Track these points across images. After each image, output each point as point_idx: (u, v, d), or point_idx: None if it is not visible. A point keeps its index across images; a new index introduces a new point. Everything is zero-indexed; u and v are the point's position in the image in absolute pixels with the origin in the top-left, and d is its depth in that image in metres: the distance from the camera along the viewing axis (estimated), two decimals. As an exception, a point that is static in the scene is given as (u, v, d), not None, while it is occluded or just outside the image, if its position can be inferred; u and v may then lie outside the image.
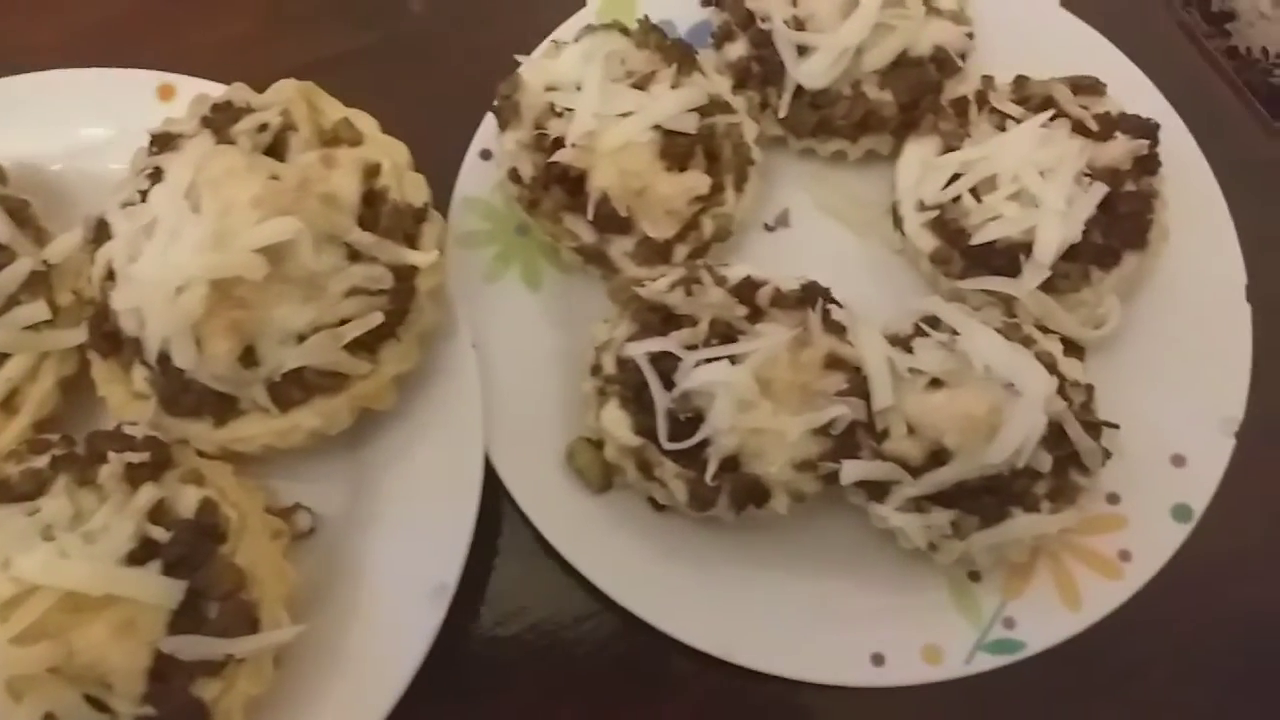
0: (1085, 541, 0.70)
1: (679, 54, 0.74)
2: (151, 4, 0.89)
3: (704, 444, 0.65)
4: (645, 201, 0.71)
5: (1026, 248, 0.71)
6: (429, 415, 0.68)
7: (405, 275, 0.64)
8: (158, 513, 0.59)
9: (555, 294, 0.76)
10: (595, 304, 0.73)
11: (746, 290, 0.68)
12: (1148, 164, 0.74)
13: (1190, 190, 0.78)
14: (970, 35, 0.79)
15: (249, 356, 0.62)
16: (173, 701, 0.57)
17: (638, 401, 0.66)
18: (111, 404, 0.66)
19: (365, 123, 0.68)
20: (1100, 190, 0.71)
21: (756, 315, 0.67)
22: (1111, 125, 0.75)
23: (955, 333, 0.68)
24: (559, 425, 0.72)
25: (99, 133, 0.74)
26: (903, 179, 0.77)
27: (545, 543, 0.69)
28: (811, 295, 0.69)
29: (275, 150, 0.66)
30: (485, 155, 0.78)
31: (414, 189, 0.67)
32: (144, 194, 0.64)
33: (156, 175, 0.64)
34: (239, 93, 0.68)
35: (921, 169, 0.76)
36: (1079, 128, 0.74)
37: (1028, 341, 0.69)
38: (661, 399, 0.65)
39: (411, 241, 0.66)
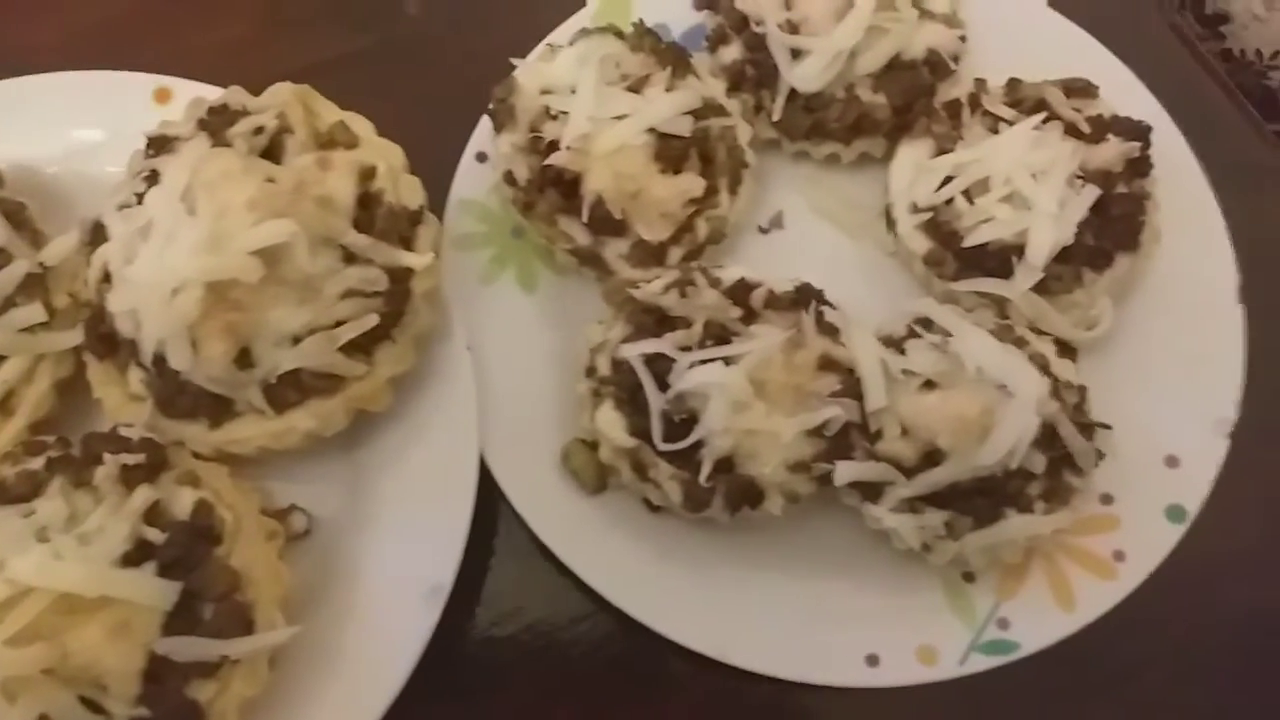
0: (1079, 542, 0.71)
1: (673, 57, 0.75)
2: (149, 6, 0.89)
3: (698, 445, 0.65)
4: (640, 204, 0.72)
5: (1019, 250, 0.71)
6: (424, 417, 0.68)
7: (400, 277, 0.64)
8: (153, 514, 0.59)
9: (550, 296, 0.76)
10: (590, 306, 0.73)
11: (740, 292, 0.68)
12: (1140, 166, 0.74)
13: (1182, 192, 0.78)
14: (963, 38, 0.80)
15: (244, 358, 0.62)
16: (167, 703, 0.57)
17: (632, 403, 0.66)
18: (107, 406, 0.66)
19: (361, 125, 0.69)
20: (1092, 192, 0.72)
21: (750, 317, 0.68)
22: (1104, 128, 0.75)
23: (948, 334, 0.68)
24: (554, 427, 0.72)
25: (95, 135, 0.74)
26: (896, 181, 0.77)
27: (541, 544, 0.69)
28: (805, 297, 0.69)
29: (271, 153, 0.66)
30: (481, 158, 0.78)
31: (409, 192, 0.67)
32: (140, 196, 0.64)
33: (153, 178, 0.64)
34: (235, 96, 0.68)
35: (914, 171, 0.76)
36: (1071, 130, 0.74)
37: (1020, 343, 0.70)
38: (656, 400, 0.65)
39: (407, 244, 0.66)
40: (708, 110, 0.74)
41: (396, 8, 0.92)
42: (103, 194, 0.67)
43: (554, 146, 0.71)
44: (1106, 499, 0.72)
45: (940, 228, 0.74)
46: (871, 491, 0.67)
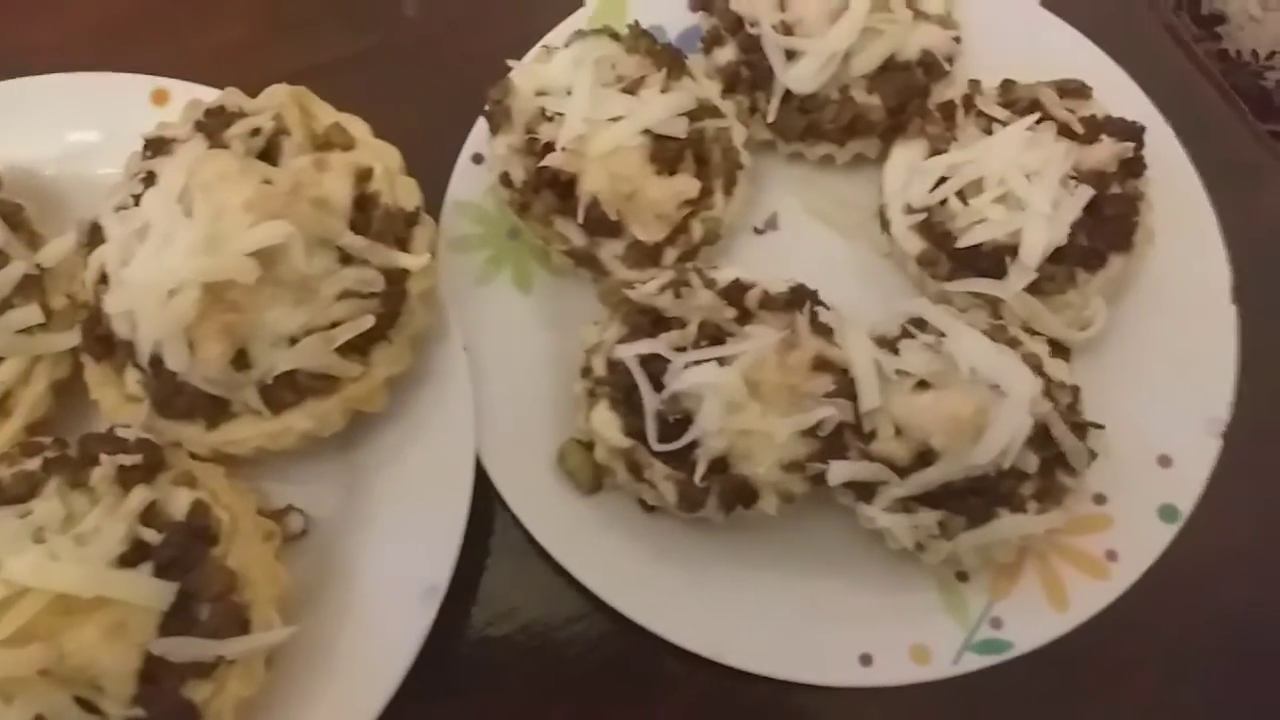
0: (1072, 542, 0.71)
1: (669, 59, 0.75)
2: (148, 8, 0.89)
3: (693, 445, 0.65)
4: (635, 205, 0.72)
5: (1012, 250, 0.72)
6: (421, 417, 0.68)
7: (397, 278, 0.65)
8: (149, 515, 0.59)
9: (546, 297, 0.76)
10: (586, 307, 0.74)
11: (735, 293, 0.68)
12: (1133, 166, 0.75)
13: (1176, 192, 0.79)
14: (957, 39, 0.80)
15: (241, 359, 0.62)
16: (163, 703, 0.57)
17: (627, 403, 0.67)
18: (104, 407, 0.66)
19: (357, 127, 0.69)
20: (1086, 193, 0.72)
21: (745, 317, 0.68)
22: (1097, 128, 0.75)
23: (942, 334, 0.68)
24: (550, 427, 0.72)
25: (93, 137, 0.74)
26: (890, 182, 0.77)
27: (536, 544, 0.69)
28: (799, 297, 0.69)
29: (268, 155, 0.66)
30: (477, 159, 0.78)
31: (406, 193, 0.68)
32: (137, 198, 0.64)
33: (150, 179, 0.65)
34: (232, 97, 0.68)
35: (908, 172, 0.77)
36: (1065, 131, 0.75)
37: (1014, 343, 0.70)
38: (651, 401, 0.65)
39: (403, 245, 0.66)
40: (703, 112, 0.74)
41: (395, 10, 0.92)
42: (100, 195, 0.67)
43: (550, 148, 0.71)
44: (1099, 499, 0.72)
45: (934, 228, 0.74)
46: (865, 491, 0.67)
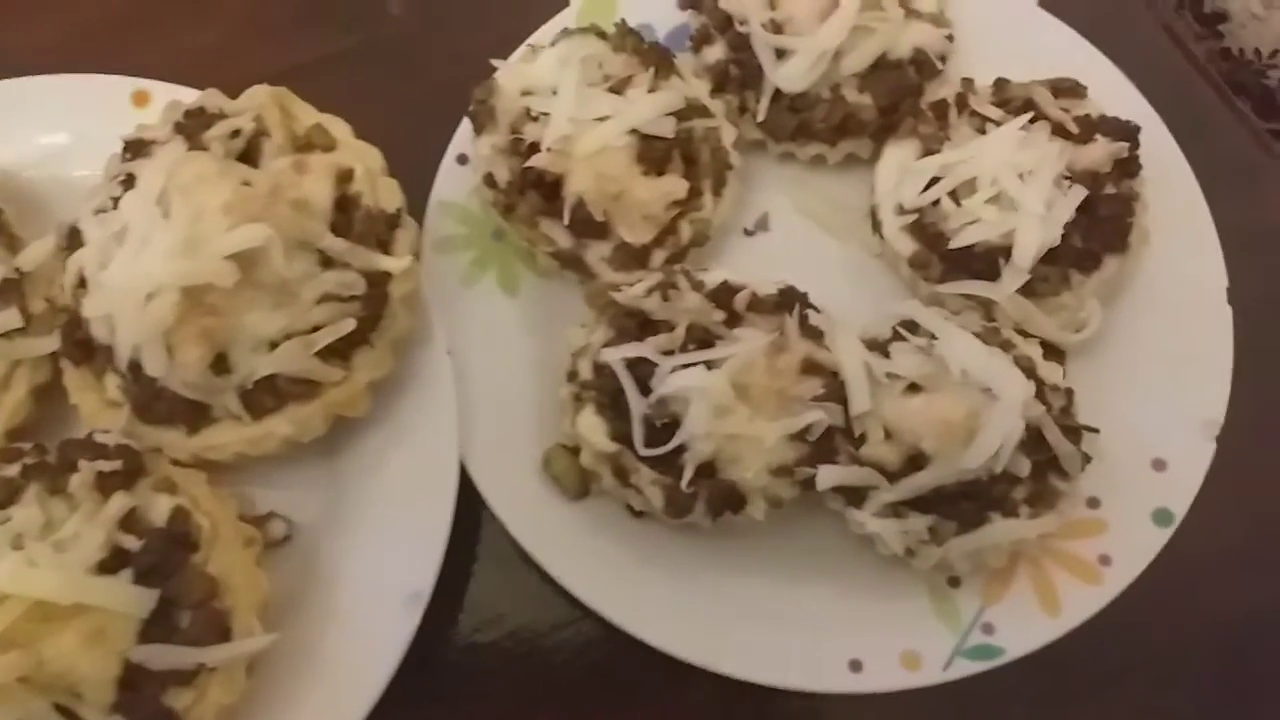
0: (1065, 546, 0.70)
1: (656, 57, 0.74)
2: (132, 9, 0.89)
3: (680, 450, 0.64)
4: (622, 206, 0.71)
5: (1006, 251, 0.71)
6: (404, 422, 0.68)
7: (378, 281, 0.64)
8: (129, 521, 0.59)
9: (532, 299, 0.76)
10: (573, 309, 0.73)
11: (723, 295, 0.68)
12: (1128, 167, 0.74)
13: (1171, 193, 0.78)
14: (950, 38, 0.79)
15: (221, 364, 0.62)
16: (143, 711, 0.57)
17: (614, 407, 0.66)
18: (84, 412, 0.65)
19: (339, 128, 0.68)
20: (1079, 193, 0.71)
21: (734, 320, 0.67)
22: (1092, 128, 0.74)
23: (933, 337, 0.67)
24: (535, 432, 0.71)
25: (72, 139, 0.74)
26: (881, 183, 0.77)
27: (522, 550, 0.68)
28: (789, 300, 0.68)
29: (248, 156, 0.66)
30: (462, 160, 0.77)
31: (387, 194, 0.67)
32: (116, 200, 0.64)
33: (129, 182, 0.64)
34: (212, 99, 0.67)
35: (900, 173, 0.76)
36: (1059, 130, 0.74)
37: (1007, 346, 0.69)
38: (638, 405, 0.65)
39: (385, 247, 0.65)
40: (691, 111, 0.73)
41: (379, 9, 0.91)
42: (80, 198, 0.66)
43: (535, 148, 0.71)
44: (1093, 502, 0.72)
45: (926, 229, 0.74)
46: (855, 496, 0.67)
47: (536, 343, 0.74)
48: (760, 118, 0.77)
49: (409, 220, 0.68)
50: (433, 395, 0.68)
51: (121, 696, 0.56)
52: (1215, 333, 0.75)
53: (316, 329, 0.62)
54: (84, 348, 0.64)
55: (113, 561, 0.57)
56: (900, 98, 0.77)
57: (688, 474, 0.64)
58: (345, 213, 0.64)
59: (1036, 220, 0.70)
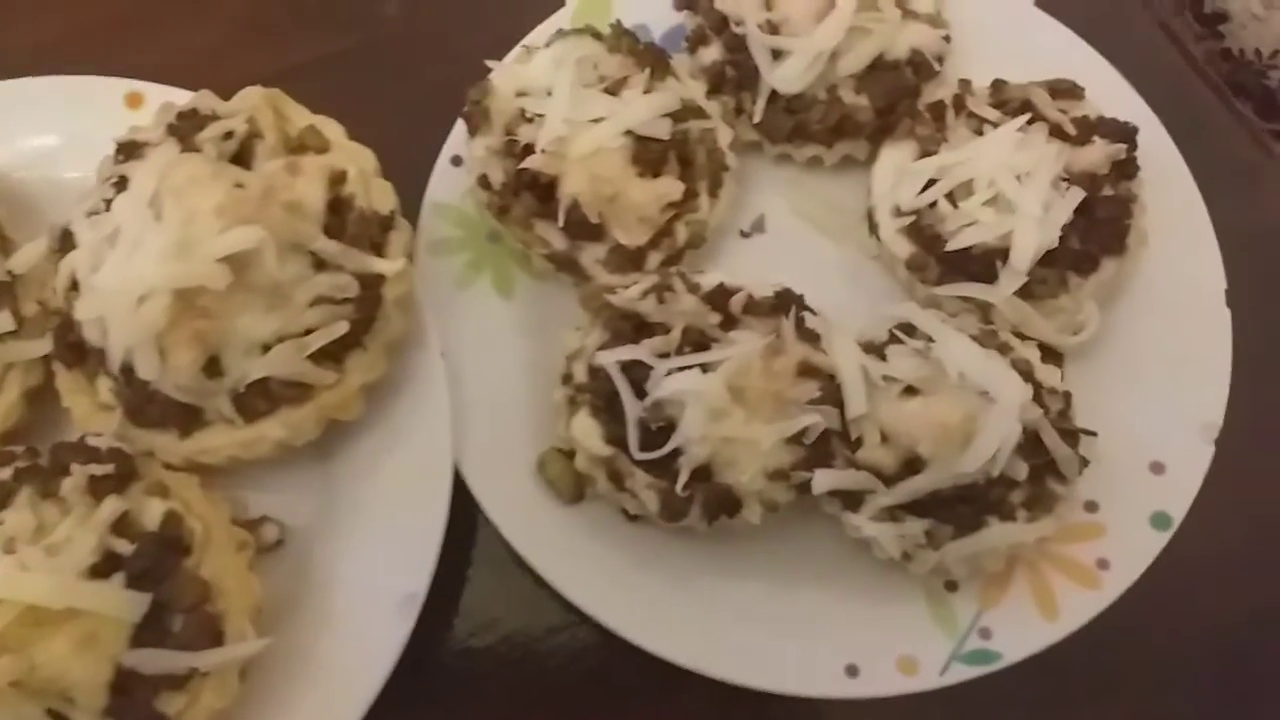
0: (1063, 550, 0.70)
1: (652, 58, 0.74)
2: (127, 10, 0.88)
3: (675, 453, 0.64)
4: (617, 208, 0.71)
5: (1003, 253, 0.70)
6: (397, 425, 0.67)
7: (371, 284, 0.64)
8: (121, 525, 0.59)
9: (527, 302, 0.75)
10: (568, 312, 0.72)
11: (719, 297, 0.67)
12: (1126, 168, 0.73)
13: (1170, 194, 0.77)
14: (947, 39, 0.79)
15: (213, 367, 0.61)
16: (135, 715, 0.56)
17: (609, 411, 0.66)
18: (76, 415, 0.65)
19: (332, 129, 0.68)
20: (1077, 195, 0.71)
21: (729, 323, 0.67)
22: (1089, 129, 0.74)
23: (930, 340, 0.67)
24: (530, 435, 0.71)
25: (65, 141, 0.73)
26: (878, 184, 0.76)
27: (518, 554, 0.68)
28: (785, 302, 0.68)
29: (241, 158, 0.66)
30: (456, 161, 0.77)
31: (381, 196, 0.67)
32: (108, 203, 0.63)
33: (121, 184, 0.64)
34: (205, 100, 0.67)
35: (897, 174, 0.75)
36: (1057, 132, 0.73)
37: (1004, 348, 0.69)
38: (633, 408, 0.64)
39: (378, 249, 0.65)
40: (687, 112, 0.73)
41: (374, 10, 0.91)
42: (72, 200, 0.66)
43: (529, 150, 0.70)
44: (1091, 506, 0.71)
45: (923, 231, 0.73)
46: (851, 500, 0.66)
47: (531, 345, 0.73)
48: (756, 119, 0.77)
49: (402, 222, 0.68)
50: (427, 398, 0.68)
51: (113, 701, 0.56)
52: (1214, 335, 0.75)
53: (309, 332, 0.62)
54: (76, 350, 0.64)
55: (105, 566, 0.57)
56: (897, 99, 0.76)
57: (683, 477, 0.64)
58: (338, 215, 0.64)
59: (1034, 222, 0.70)
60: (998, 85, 0.77)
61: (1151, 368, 0.74)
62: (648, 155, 0.71)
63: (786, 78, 0.74)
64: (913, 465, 0.64)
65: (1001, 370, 0.65)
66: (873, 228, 0.77)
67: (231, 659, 0.59)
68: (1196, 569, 0.71)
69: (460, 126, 0.76)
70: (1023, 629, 0.68)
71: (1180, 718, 0.72)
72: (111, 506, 0.58)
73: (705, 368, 0.64)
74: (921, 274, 0.74)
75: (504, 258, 0.76)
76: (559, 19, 0.80)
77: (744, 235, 0.80)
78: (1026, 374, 0.67)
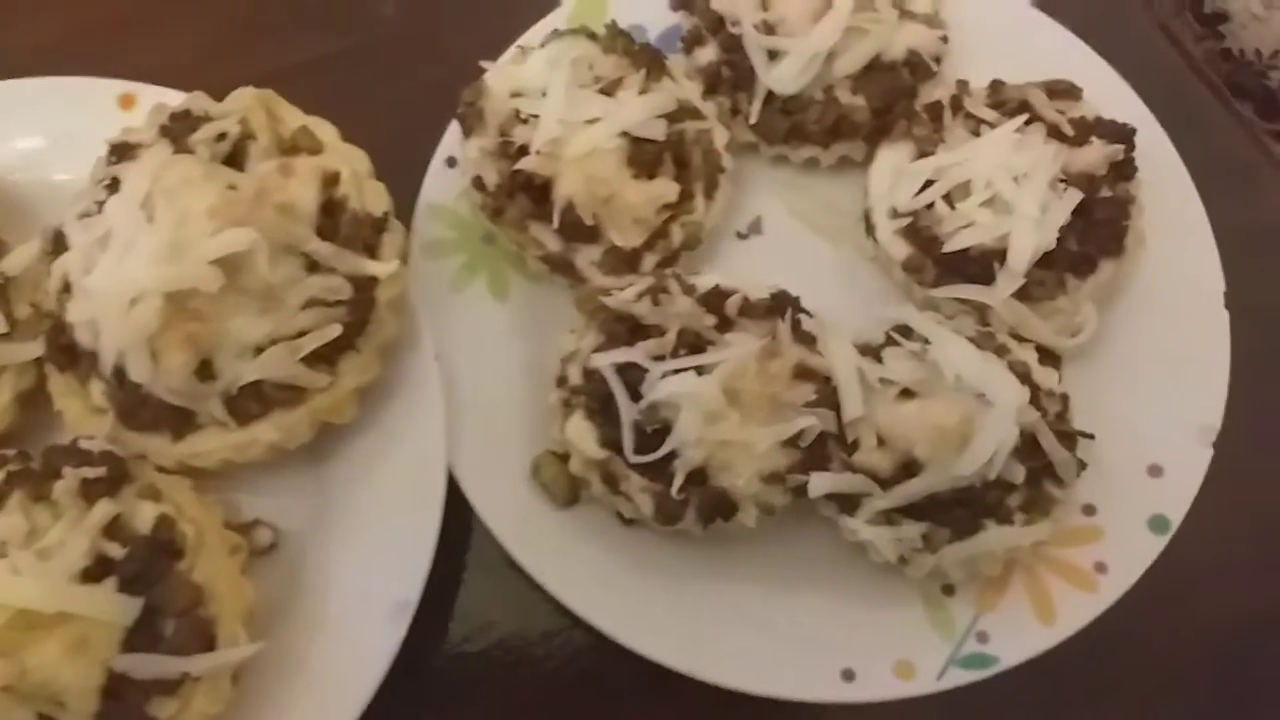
0: (1060, 554, 0.69)
1: (647, 59, 0.73)
2: (122, 11, 0.88)
3: (671, 456, 0.64)
4: (612, 209, 0.70)
5: (1000, 255, 0.70)
6: (391, 428, 0.67)
7: (365, 286, 0.63)
8: (113, 529, 0.58)
9: (522, 304, 0.75)
10: (564, 314, 0.72)
11: (715, 299, 0.67)
12: (1124, 169, 0.73)
13: (1168, 195, 0.77)
14: (944, 39, 0.78)
15: (205, 370, 0.61)
16: (127, 720, 0.56)
17: (604, 413, 0.65)
18: (68, 418, 0.65)
19: (325, 131, 0.67)
20: (1075, 196, 0.70)
21: (725, 325, 0.67)
22: (1087, 130, 0.74)
23: (927, 342, 0.67)
24: (524, 438, 0.71)
25: (58, 142, 0.73)
26: (875, 185, 0.76)
27: (512, 557, 0.68)
28: (781, 304, 0.68)
29: (234, 159, 0.65)
30: (451, 163, 0.77)
31: (374, 198, 0.66)
32: (101, 205, 0.63)
33: (114, 185, 0.63)
34: (197, 101, 0.67)
35: (894, 175, 0.75)
36: (1054, 133, 0.73)
37: (1001, 350, 0.68)
38: (628, 411, 0.64)
39: (372, 251, 0.65)
40: (683, 113, 0.73)
41: (369, 11, 0.90)
42: (65, 202, 0.65)
43: (524, 151, 0.70)
44: (1089, 509, 0.71)
45: (920, 233, 0.73)
46: (848, 503, 0.66)
47: (526, 348, 0.73)
48: (753, 120, 0.76)
49: (396, 224, 0.67)
50: (420, 401, 0.67)
51: (105, 706, 0.55)
52: (1212, 337, 0.74)
53: (302, 334, 0.62)
54: (68, 353, 0.64)
55: (96, 569, 0.57)
56: (894, 100, 0.76)
57: (678, 481, 0.63)
58: (331, 216, 0.64)
59: (1031, 223, 0.69)
60: (995, 86, 0.77)
61: (1150, 370, 0.74)
62: (643, 156, 0.71)
63: (783, 78, 0.74)
64: (909, 468, 0.64)
65: (999, 372, 0.65)
66: (869, 229, 0.77)
67: (224, 663, 0.58)
68: (1195, 572, 0.71)
69: (455, 127, 0.76)
70: (1020, 633, 0.67)
71: (1179, 722, 0.72)
72: (103, 510, 0.58)
73: (701, 370, 0.64)
74: (918, 275, 0.73)
75: (499, 259, 0.76)
76: (554, 19, 0.80)
77: (740, 237, 0.79)
78: (1024, 376, 0.66)
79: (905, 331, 0.68)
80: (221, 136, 0.65)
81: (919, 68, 0.76)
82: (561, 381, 0.68)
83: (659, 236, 0.72)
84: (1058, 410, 0.67)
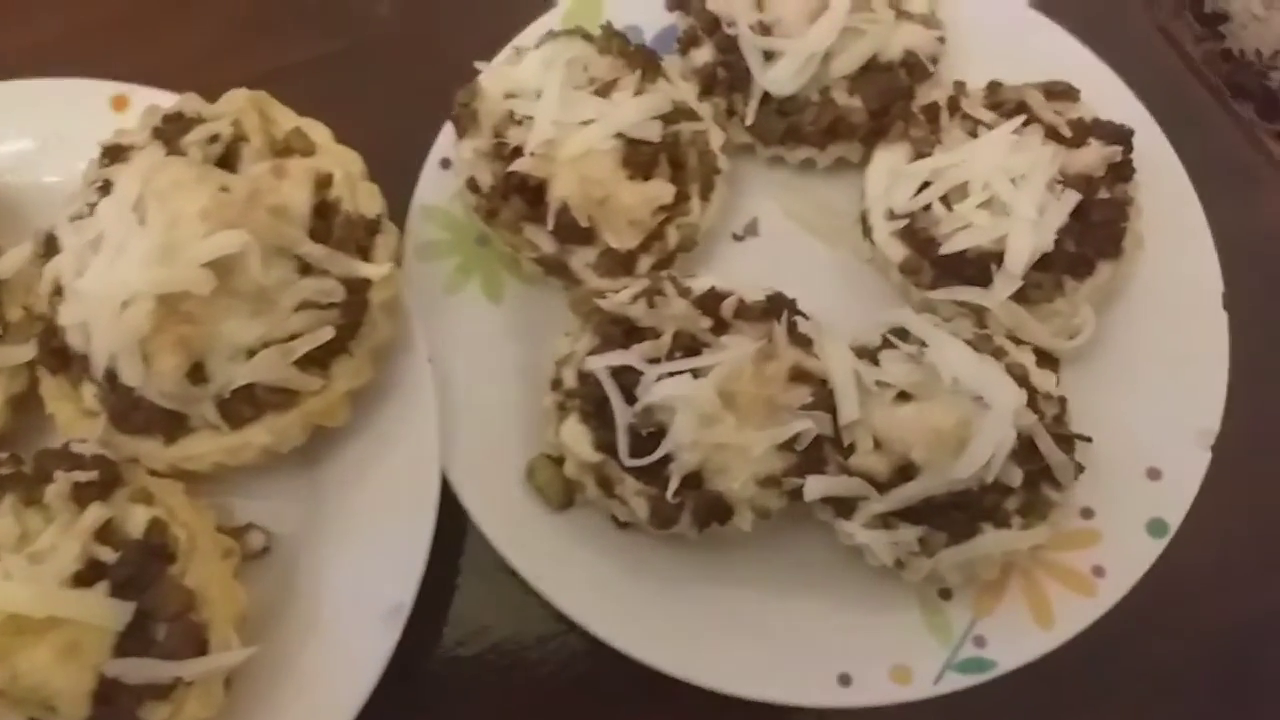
0: (1058, 557, 0.69)
1: (643, 60, 0.73)
2: (117, 13, 0.88)
3: (666, 460, 0.63)
4: (607, 211, 0.70)
5: (998, 257, 0.70)
6: (384, 431, 0.67)
7: (357, 288, 0.63)
8: (105, 533, 0.58)
9: (517, 306, 0.75)
10: (559, 316, 0.72)
11: (710, 302, 0.67)
12: (1122, 171, 0.73)
13: (1166, 196, 0.77)
14: (942, 39, 0.78)
15: (198, 373, 0.61)
16: (118, 725, 0.56)
17: (599, 416, 0.65)
18: (60, 421, 0.64)
19: (318, 132, 0.67)
20: (1072, 198, 0.70)
21: (721, 327, 0.66)
22: (1085, 131, 0.73)
23: (924, 344, 0.66)
24: (519, 441, 0.70)
25: (51, 144, 0.73)
26: (872, 187, 0.76)
27: (506, 561, 0.67)
28: (777, 306, 0.67)
29: (227, 161, 0.65)
30: (446, 164, 0.76)
31: (367, 200, 0.66)
32: (93, 207, 0.63)
33: (106, 188, 0.63)
34: (190, 103, 0.67)
35: (891, 177, 0.75)
36: (1052, 134, 0.73)
37: (999, 353, 0.68)
38: (623, 414, 0.64)
39: (365, 254, 0.65)
40: (678, 114, 0.72)
41: (364, 12, 0.90)
42: (58, 204, 0.65)
43: (518, 152, 0.70)
44: (1087, 513, 0.70)
45: (917, 234, 0.73)
46: (844, 507, 0.66)
47: (520, 350, 0.73)
48: (749, 121, 0.76)
49: (389, 226, 0.67)
50: (414, 404, 0.67)
51: (96, 711, 0.55)
52: (1211, 339, 0.74)
53: (295, 337, 0.61)
54: (60, 356, 0.63)
55: (88, 574, 0.57)
56: (891, 100, 0.76)
57: (673, 484, 0.63)
58: (324, 218, 0.63)
59: (1029, 225, 0.69)
60: (992, 87, 0.76)
61: (1148, 372, 0.74)
62: (638, 158, 0.70)
63: (779, 79, 0.74)
64: (906, 471, 0.64)
65: (996, 375, 0.65)
66: (866, 231, 0.76)
67: (216, 668, 0.58)
68: (1194, 576, 0.71)
69: (449, 129, 0.75)
70: (1018, 637, 0.67)
71: (1177, 727, 0.72)
72: (95, 514, 0.58)
73: (696, 373, 0.63)
74: (915, 277, 0.73)
75: (493, 261, 0.76)
76: (549, 20, 0.80)
77: (736, 238, 0.79)
78: (1021, 379, 0.66)
79: (902, 334, 0.68)
80: (214, 138, 0.64)
81: (916, 68, 0.76)
82: (556, 384, 0.68)
83: (654, 238, 0.72)
84: (1055, 413, 0.67)
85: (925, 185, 0.73)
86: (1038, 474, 0.65)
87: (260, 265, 0.60)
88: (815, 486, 0.64)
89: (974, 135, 0.73)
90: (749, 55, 0.74)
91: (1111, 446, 0.69)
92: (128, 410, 0.62)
